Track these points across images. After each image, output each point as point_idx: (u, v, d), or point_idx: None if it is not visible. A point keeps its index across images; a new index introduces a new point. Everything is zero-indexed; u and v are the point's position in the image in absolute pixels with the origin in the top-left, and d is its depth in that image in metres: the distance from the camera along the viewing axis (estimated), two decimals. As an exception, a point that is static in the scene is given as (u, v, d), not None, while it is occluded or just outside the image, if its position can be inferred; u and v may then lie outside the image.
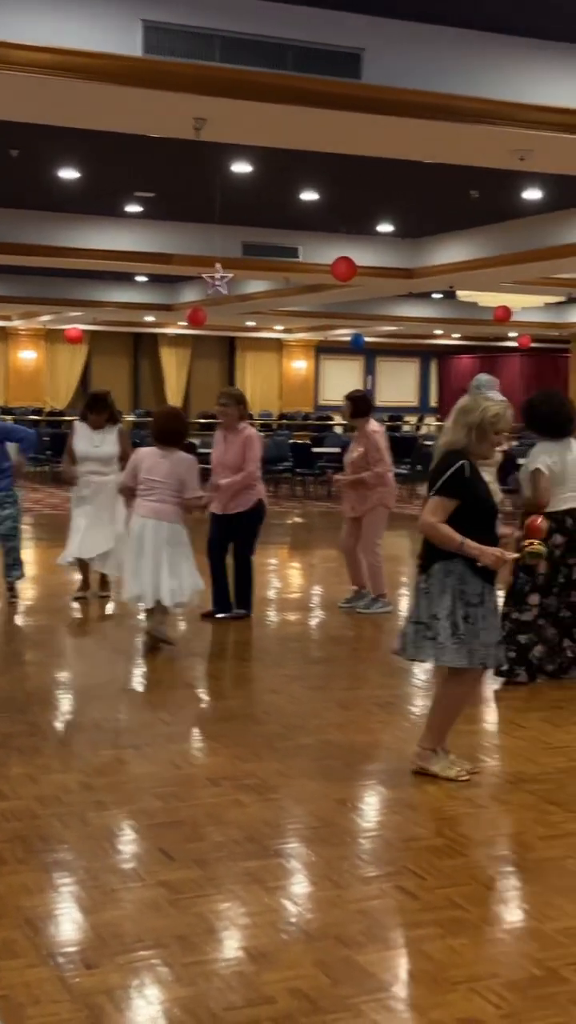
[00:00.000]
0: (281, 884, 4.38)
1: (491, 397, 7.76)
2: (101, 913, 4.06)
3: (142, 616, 8.49)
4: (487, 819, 5.12)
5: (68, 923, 4.01)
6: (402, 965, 3.77)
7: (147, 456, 8.13)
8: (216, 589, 9.15)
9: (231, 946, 3.87)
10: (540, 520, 5.81)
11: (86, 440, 9.75)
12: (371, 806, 5.34)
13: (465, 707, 5.62)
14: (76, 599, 9.80)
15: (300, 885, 4.39)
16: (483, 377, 7.99)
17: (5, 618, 9.37)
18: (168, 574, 7.94)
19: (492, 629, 5.41)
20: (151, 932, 3.92)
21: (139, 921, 4.00)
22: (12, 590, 9.84)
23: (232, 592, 9.19)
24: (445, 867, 4.50)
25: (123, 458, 9.75)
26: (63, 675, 7.79)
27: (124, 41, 7.15)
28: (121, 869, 4.46)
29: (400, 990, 3.61)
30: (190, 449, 18.40)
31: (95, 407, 9.83)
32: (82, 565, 9.78)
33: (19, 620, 9.30)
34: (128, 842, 4.75)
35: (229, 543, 9.11)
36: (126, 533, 8.53)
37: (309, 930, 3.96)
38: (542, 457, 7.07)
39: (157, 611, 8.07)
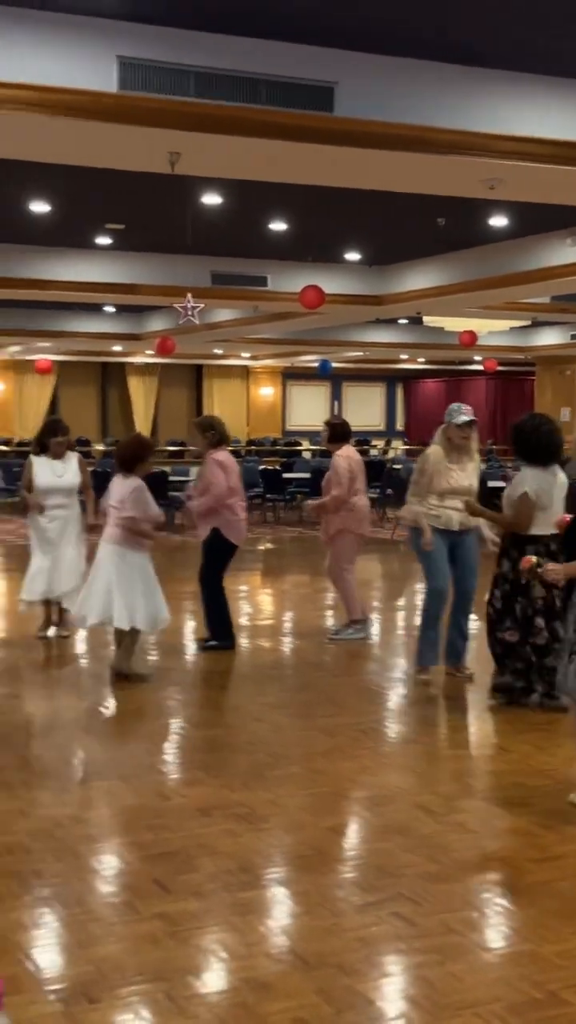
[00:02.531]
0: (277, 914, 4.41)
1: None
2: (100, 947, 4.07)
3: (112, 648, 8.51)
4: (478, 844, 5.15)
5: (68, 958, 4.00)
6: (404, 992, 3.79)
7: (112, 482, 8.38)
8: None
9: (232, 977, 3.88)
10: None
11: (47, 471, 9.39)
12: (362, 833, 5.37)
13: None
14: (40, 638, 9.56)
15: (297, 914, 4.41)
16: (454, 405, 8.18)
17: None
18: (120, 599, 8.16)
19: None
20: (151, 965, 3.93)
21: (138, 954, 4.01)
22: None
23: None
24: (439, 893, 4.53)
25: (84, 488, 9.60)
26: (45, 708, 7.77)
27: (100, 77, 7.21)
28: (117, 902, 4.46)
29: (404, 1017, 3.63)
30: (160, 476, 18.46)
31: (57, 431, 9.50)
32: (45, 603, 9.55)
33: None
34: (122, 875, 4.75)
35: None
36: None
37: (308, 959, 3.98)
38: (530, 482, 7.14)
39: (124, 641, 8.22)
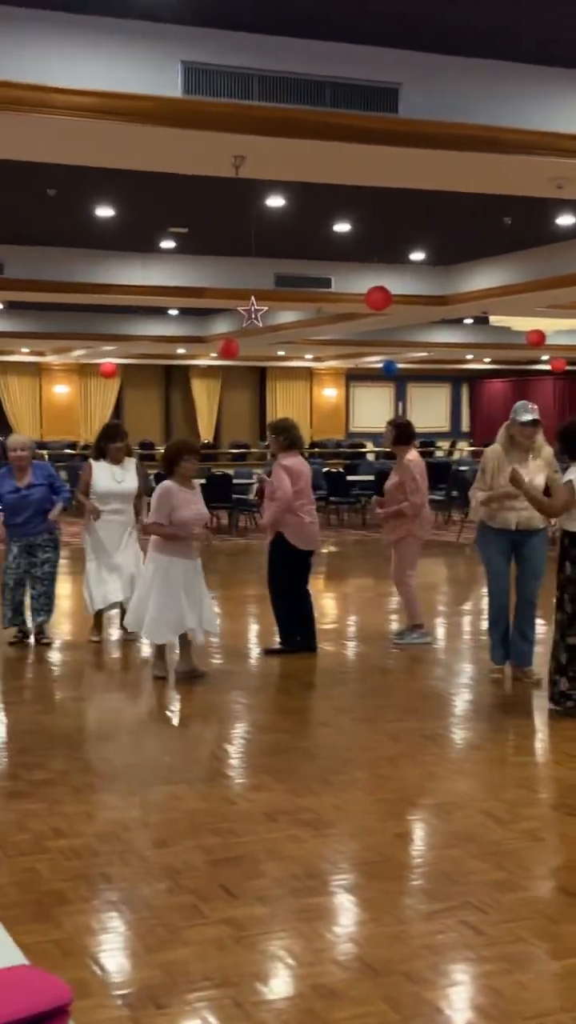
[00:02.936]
0: (344, 920, 4.39)
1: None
2: (167, 951, 4.07)
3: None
4: (546, 852, 5.10)
5: (136, 962, 4.01)
6: (472, 1001, 3.76)
7: None
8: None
9: (299, 983, 3.87)
10: None
11: (107, 476, 9.41)
12: (428, 840, 5.33)
13: None
14: (92, 642, 9.59)
15: (363, 921, 4.39)
16: (520, 403, 8.09)
17: (41, 658, 9.34)
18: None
19: None
20: (218, 970, 3.92)
21: (205, 959, 4.01)
22: (41, 632, 9.62)
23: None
24: (507, 901, 4.49)
25: (140, 493, 9.57)
26: (111, 712, 7.80)
27: (164, 82, 7.24)
28: (184, 907, 4.46)
29: (471, 1027, 3.60)
30: (223, 479, 18.49)
31: (116, 436, 9.51)
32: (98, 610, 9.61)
33: (58, 658, 9.30)
34: (189, 879, 4.75)
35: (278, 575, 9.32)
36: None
37: (375, 966, 3.96)
38: None
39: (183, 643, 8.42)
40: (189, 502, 8.19)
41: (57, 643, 9.67)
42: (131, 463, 9.59)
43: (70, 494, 9.96)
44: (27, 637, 9.62)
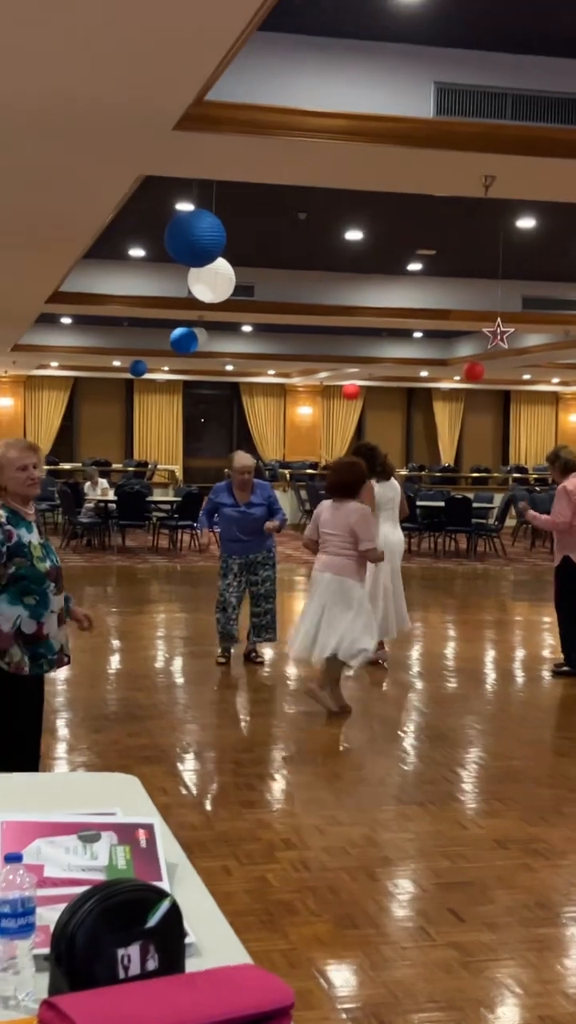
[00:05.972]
0: (574, 953, 4.26)
1: None
2: (392, 970, 4.05)
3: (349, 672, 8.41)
4: None
5: (360, 978, 4.01)
6: None
7: (324, 509, 7.95)
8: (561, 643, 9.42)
9: (526, 1013, 3.78)
10: None
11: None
12: None
13: None
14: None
15: (595, 957, 4.25)
16: None
17: (270, 675, 9.48)
18: (327, 629, 7.70)
19: None
20: (444, 993, 3.87)
21: (431, 981, 3.97)
22: (254, 650, 9.63)
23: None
24: None
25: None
26: (344, 730, 7.83)
27: (416, 103, 7.26)
28: (411, 927, 4.43)
29: None
30: (464, 502, 18.26)
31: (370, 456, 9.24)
32: None
33: (294, 673, 9.38)
34: (417, 900, 4.72)
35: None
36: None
37: (607, 1005, 3.83)
38: None
39: (325, 673, 7.93)
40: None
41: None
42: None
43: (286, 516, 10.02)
44: (230, 658, 9.62)
